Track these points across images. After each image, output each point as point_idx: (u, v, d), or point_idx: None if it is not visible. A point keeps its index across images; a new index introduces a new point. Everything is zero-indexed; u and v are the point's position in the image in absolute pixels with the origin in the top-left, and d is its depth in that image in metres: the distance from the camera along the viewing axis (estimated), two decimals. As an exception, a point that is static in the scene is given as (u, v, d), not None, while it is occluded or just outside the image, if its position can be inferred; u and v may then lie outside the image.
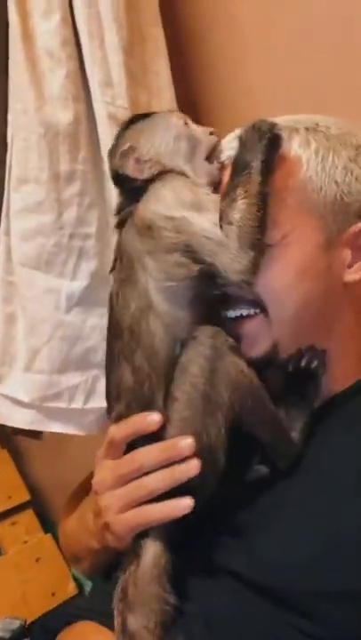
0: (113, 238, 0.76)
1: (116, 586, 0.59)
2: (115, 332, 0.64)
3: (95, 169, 0.75)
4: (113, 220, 0.76)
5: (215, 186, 0.62)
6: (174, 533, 0.61)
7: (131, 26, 0.77)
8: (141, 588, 0.59)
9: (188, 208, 0.58)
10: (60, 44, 0.72)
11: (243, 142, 0.59)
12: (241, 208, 0.57)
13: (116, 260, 0.63)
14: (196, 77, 0.92)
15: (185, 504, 0.57)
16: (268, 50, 0.88)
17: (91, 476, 0.86)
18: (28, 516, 1.38)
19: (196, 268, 0.58)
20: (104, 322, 0.76)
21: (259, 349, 0.63)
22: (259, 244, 0.57)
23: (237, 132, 0.66)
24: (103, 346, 0.76)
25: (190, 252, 0.58)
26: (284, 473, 0.62)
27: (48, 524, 1.38)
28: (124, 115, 0.75)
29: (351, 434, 0.63)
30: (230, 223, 0.57)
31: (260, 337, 0.63)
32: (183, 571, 0.60)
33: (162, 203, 0.59)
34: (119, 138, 0.64)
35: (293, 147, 0.61)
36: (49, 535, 1.35)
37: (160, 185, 0.60)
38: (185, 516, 0.58)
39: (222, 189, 0.61)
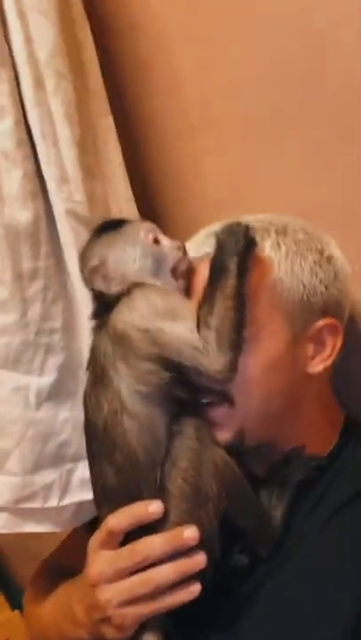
0: (81, 330, 0.77)
1: None
2: (91, 430, 0.65)
3: (57, 263, 0.76)
4: (78, 312, 0.78)
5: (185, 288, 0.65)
6: (169, 623, 0.62)
7: (82, 120, 0.79)
8: None
9: (162, 318, 0.61)
10: (16, 146, 0.72)
11: (219, 246, 0.62)
12: (220, 313, 0.59)
13: (89, 361, 0.65)
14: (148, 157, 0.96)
15: (195, 589, 0.58)
16: (217, 135, 0.92)
17: (61, 549, 0.84)
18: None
19: (166, 375, 0.60)
20: (75, 413, 0.77)
21: (225, 435, 0.65)
22: (237, 344, 0.60)
23: (207, 230, 0.69)
24: (76, 438, 0.76)
25: (162, 360, 0.60)
26: (263, 560, 0.64)
27: (15, 599, 1.32)
28: (82, 209, 0.76)
29: (333, 519, 0.66)
30: (209, 328, 0.59)
31: (226, 423, 0.65)
32: None
33: (135, 314, 0.61)
34: (89, 250, 0.66)
35: (266, 248, 0.66)
36: (17, 612, 1.29)
37: (134, 295, 0.62)
38: (181, 607, 0.58)
39: (196, 291, 0.64)
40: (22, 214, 0.72)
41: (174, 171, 0.95)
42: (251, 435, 0.66)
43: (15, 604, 1.31)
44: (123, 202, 0.84)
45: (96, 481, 0.65)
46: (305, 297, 0.65)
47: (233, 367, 0.60)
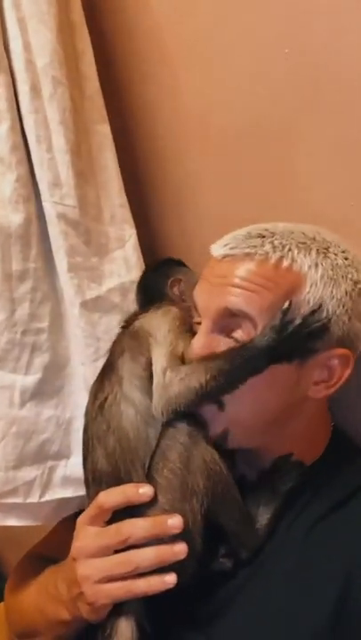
0: (67, 330, 0.79)
1: None
2: (89, 414, 0.69)
3: (46, 265, 0.77)
4: (65, 311, 0.79)
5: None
6: (144, 614, 0.63)
7: (77, 127, 0.80)
8: None
9: (163, 337, 0.67)
10: (10, 150, 0.74)
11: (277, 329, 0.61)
12: (200, 375, 0.63)
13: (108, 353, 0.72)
14: (143, 163, 0.97)
15: (170, 580, 0.60)
16: (216, 145, 0.93)
17: (46, 541, 0.86)
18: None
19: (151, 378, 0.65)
20: (59, 412, 0.78)
21: (212, 431, 0.65)
22: (181, 409, 0.64)
23: (250, 230, 0.68)
24: (59, 436, 0.78)
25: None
26: (245, 563, 0.65)
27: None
28: (74, 213, 0.78)
29: (315, 527, 0.67)
30: (181, 373, 0.64)
31: (212, 422, 0.66)
32: None
33: (153, 321, 0.70)
34: (170, 268, 0.77)
35: (304, 266, 0.64)
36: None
37: (162, 310, 0.71)
38: (156, 596, 0.60)
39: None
40: (14, 217, 0.74)
41: (171, 179, 0.97)
42: (234, 438, 0.66)
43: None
44: (116, 207, 0.85)
45: (87, 463, 0.67)
46: (325, 324, 0.63)
47: (167, 416, 0.63)
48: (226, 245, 0.67)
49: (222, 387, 0.62)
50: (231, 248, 0.67)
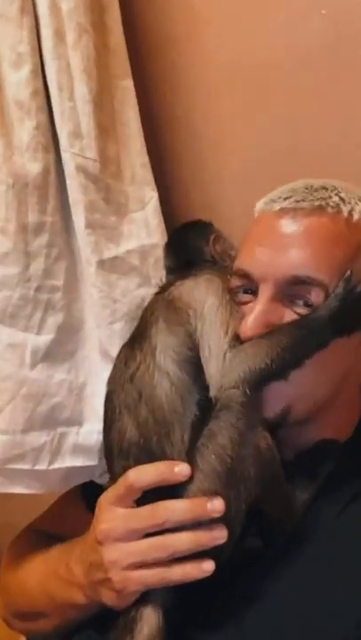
0: (82, 292, 0.75)
1: None
2: (117, 380, 0.64)
3: (63, 220, 0.73)
4: (81, 272, 0.75)
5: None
6: (172, 601, 0.58)
7: (100, 78, 0.76)
8: None
9: (209, 311, 0.63)
10: (30, 95, 0.70)
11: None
12: (267, 351, 0.59)
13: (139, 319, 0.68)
14: (167, 126, 0.93)
15: (208, 567, 0.54)
16: (234, 100, 0.89)
17: (48, 515, 0.81)
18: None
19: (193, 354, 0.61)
20: (71, 377, 0.74)
21: (272, 411, 0.61)
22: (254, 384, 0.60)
23: (305, 183, 0.65)
24: (71, 402, 0.74)
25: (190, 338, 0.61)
26: (276, 544, 0.61)
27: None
28: (94, 167, 0.74)
29: (349, 506, 0.63)
30: (241, 353, 0.60)
31: (274, 399, 0.60)
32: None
33: (194, 292, 0.65)
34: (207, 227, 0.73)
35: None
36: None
37: (202, 278, 0.66)
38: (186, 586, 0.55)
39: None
40: (32, 166, 0.70)
41: (194, 144, 0.93)
42: (295, 414, 0.62)
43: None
44: (137, 167, 0.82)
45: (113, 432, 0.62)
46: None
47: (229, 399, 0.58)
48: (289, 198, 0.62)
49: (288, 364, 0.58)
50: (297, 201, 0.62)
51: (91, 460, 0.74)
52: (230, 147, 0.91)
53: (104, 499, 0.59)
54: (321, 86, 0.83)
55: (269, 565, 0.61)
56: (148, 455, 0.58)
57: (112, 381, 0.65)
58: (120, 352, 0.67)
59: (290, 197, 0.62)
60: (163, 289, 0.69)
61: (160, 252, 0.80)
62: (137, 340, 0.64)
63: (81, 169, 0.73)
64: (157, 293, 0.69)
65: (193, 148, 0.91)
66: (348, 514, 0.63)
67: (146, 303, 0.77)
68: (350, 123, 0.82)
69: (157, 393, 0.59)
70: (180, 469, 0.55)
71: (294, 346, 0.58)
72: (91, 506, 0.73)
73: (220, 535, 0.54)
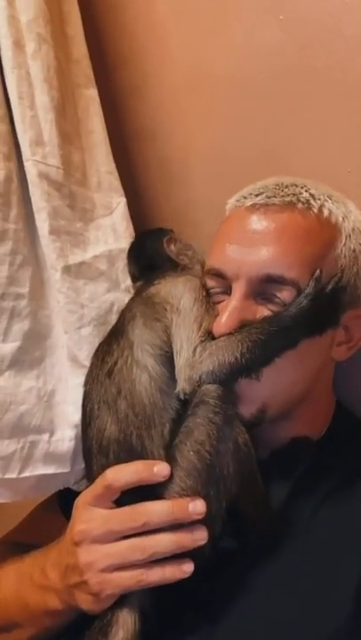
0: (48, 298, 0.75)
1: None
2: (94, 379, 0.63)
3: (27, 227, 0.73)
4: (47, 279, 0.75)
5: None
6: (149, 603, 0.57)
7: (62, 87, 0.77)
8: None
9: (185, 307, 0.62)
10: (-10, 105, 0.71)
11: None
12: (238, 346, 0.58)
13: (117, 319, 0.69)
14: (134, 134, 0.94)
15: (188, 569, 0.53)
16: (198, 108, 0.90)
17: (22, 526, 0.79)
18: None
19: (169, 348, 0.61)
20: (40, 384, 0.74)
21: (247, 409, 0.60)
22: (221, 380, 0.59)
23: (276, 180, 0.65)
24: (40, 409, 0.73)
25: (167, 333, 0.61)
26: (252, 544, 0.60)
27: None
28: (57, 174, 0.74)
29: (324, 502, 0.62)
30: (212, 348, 0.59)
31: (249, 397, 0.60)
32: None
33: (173, 290, 0.64)
34: (164, 232, 0.73)
35: (338, 217, 0.62)
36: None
37: (180, 279, 0.66)
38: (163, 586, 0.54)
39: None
40: (-6, 174, 0.71)
41: (161, 152, 0.94)
42: (270, 413, 0.62)
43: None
44: (103, 174, 0.82)
45: (92, 430, 0.61)
46: (353, 281, 0.61)
47: (195, 391, 0.58)
48: (260, 194, 0.62)
49: (258, 360, 0.57)
50: (269, 197, 0.61)
51: (63, 468, 0.73)
52: (197, 152, 0.91)
53: (81, 499, 0.58)
54: (283, 92, 0.84)
55: (245, 566, 0.60)
56: (128, 451, 0.58)
57: (89, 379, 0.65)
58: (97, 350, 0.66)
59: (261, 194, 0.62)
60: (140, 290, 0.69)
61: (129, 257, 0.80)
62: (114, 337, 0.64)
63: (44, 176, 0.73)
64: (135, 294, 0.70)
65: (160, 154, 0.92)
66: (323, 513, 0.62)
67: (116, 307, 0.78)
68: (314, 127, 0.83)
69: (137, 387, 0.59)
70: (160, 469, 0.55)
71: (264, 342, 0.57)
72: (68, 514, 0.73)
73: (201, 536, 0.54)
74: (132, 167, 0.91)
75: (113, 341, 0.63)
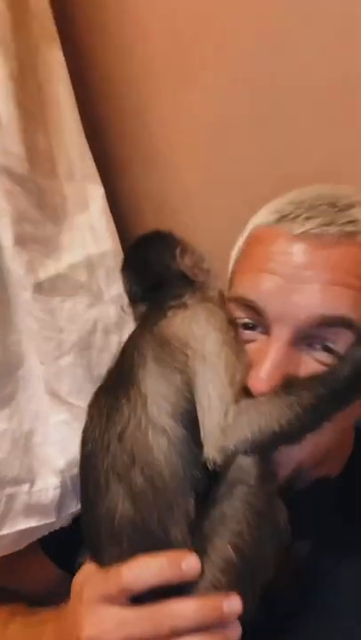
0: (18, 324, 0.62)
1: None
2: (98, 442, 0.51)
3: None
4: (15, 300, 0.62)
5: None
6: None
7: (19, 51, 0.61)
8: None
9: (217, 360, 0.51)
10: None
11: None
12: (283, 412, 0.48)
13: (117, 357, 0.56)
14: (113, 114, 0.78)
15: None
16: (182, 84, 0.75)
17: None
18: None
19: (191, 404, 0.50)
20: (14, 425, 0.62)
21: (282, 474, 0.52)
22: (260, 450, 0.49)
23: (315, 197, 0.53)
24: (17, 456, 0.61)
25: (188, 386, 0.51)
26: (277, 617, 0.52)
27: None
28: (20, 166, 0.60)
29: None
30: (245, 411, 0.49)
31: (285, 461, 0.51)
32: None
33: (194, 327, 0.52)
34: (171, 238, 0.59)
35: None
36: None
37: (199, 310, 0.54)
38: None
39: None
40: None
41: (141, 132, 0.78)
42: (306, 474, 0.54)
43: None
44: (75, 158, 0.68)
45: (100, 509, 0.49)
46: None
47: (228, 463, 0.48)
48: (312, 219, 0.51)
49: (306, 427, 0.48)
50: (325, 225, 0.50)
51: (48, 519, 0.63)
52: (180, 135, 0.77)
53: (91, 596, 0.48)
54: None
55: (273, 635, 0.53)
56: (147, 538, 0.48)
57: (90, 440, 0.53)
58: (97, 398, 0.54)
59: (313, 218, 0.51)
60: (147, 318, 0.56)
61: (112, 262, 0.67)
62: (121, 385, 0.52)
63: (4, 170, 0.58)
64: (141, 324, 0.57)
65: (143, 134, 0.77)
66: (347, 559, 0.56)
67: (100, 326, 0.65)
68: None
69: (155, 455, 0.48)
70: (189, 565, 0.45)
71: (316, 407, 0.48)
72: (49, 551, 0.66)
73: (234, 635, 0.46)
74: (109, 149, 0.76)
75: (120, 393, 0.51)
